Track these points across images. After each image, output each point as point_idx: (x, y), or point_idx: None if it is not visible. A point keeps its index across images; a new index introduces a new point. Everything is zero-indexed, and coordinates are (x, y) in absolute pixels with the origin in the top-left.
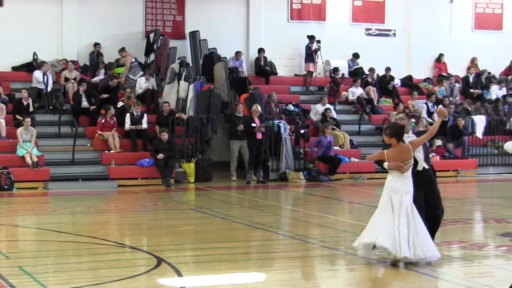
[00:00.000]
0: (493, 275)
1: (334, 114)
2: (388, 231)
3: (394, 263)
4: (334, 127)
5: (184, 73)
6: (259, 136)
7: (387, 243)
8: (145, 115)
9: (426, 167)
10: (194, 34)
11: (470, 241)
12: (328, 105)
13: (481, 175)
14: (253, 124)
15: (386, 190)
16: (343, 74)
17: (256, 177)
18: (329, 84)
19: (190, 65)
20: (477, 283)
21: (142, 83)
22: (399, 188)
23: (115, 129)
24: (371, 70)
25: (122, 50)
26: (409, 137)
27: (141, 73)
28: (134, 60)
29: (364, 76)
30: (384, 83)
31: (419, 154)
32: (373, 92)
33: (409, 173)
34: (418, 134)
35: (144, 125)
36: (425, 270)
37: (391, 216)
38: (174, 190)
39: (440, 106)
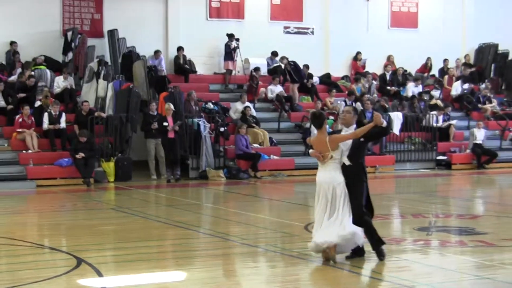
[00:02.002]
0: (410, 269)
1: (253, 112)
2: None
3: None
4: (254, 125)
5: (102, 72)
6: (171, 135)
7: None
8: (64, 114)
9: (347, 163)
10: (112, 33)
11: (388, 236)
12: (247, 103)
13: (399, 171)
14: (165, 123)
15: None
16: (252, 72)
17: (173, 176)
18: (248, 82)
19: (109, 63)
20: (395, 278)
21: (60, 82)
22: (319, 178)
23: (33, 128)
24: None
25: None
26: (347, 130)
27: (49, 73)
28: (32, 73)
29: (285, 74)
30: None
31: (344, 149)
32: (292, 89)
33: (333, 164)
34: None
35: (63, 124)
36: (345, 266)
37: (317, 207)
38: (93, 189)
39: (376, 113)
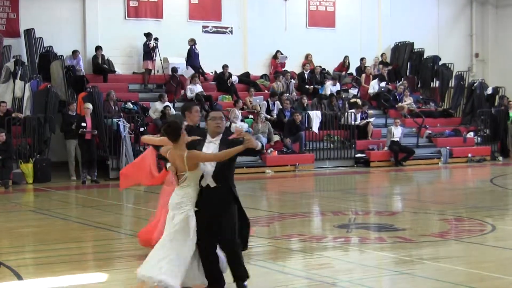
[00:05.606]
0: (331, 266)
1: (173, 112)
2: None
3: None
4: None
5: (19, 72)
6: (88, 136)
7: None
8: None
9: (212, 185)
10: (29, 32)
11: (309, 233)
12: (167, 103)
13: (318, 169)
14: (83, 124)
15: None
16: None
17: (90, 177)
18: (168, 81)
19: (26, 63)
20: (316, 275)
21: None
22: (170, 201)
23: None
24: None
25: None
26: (211, 141)
27: None
28: None
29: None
30: (222, 80)
31: (210, 167)
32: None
33: (186, 189)
34: (224, 141)
35: None
36: (265, 264)
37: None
38: (12, 191)
39: (248, 136)
